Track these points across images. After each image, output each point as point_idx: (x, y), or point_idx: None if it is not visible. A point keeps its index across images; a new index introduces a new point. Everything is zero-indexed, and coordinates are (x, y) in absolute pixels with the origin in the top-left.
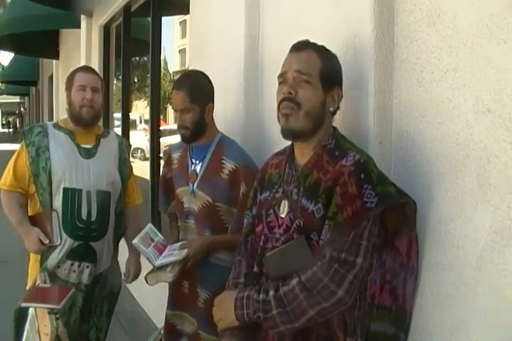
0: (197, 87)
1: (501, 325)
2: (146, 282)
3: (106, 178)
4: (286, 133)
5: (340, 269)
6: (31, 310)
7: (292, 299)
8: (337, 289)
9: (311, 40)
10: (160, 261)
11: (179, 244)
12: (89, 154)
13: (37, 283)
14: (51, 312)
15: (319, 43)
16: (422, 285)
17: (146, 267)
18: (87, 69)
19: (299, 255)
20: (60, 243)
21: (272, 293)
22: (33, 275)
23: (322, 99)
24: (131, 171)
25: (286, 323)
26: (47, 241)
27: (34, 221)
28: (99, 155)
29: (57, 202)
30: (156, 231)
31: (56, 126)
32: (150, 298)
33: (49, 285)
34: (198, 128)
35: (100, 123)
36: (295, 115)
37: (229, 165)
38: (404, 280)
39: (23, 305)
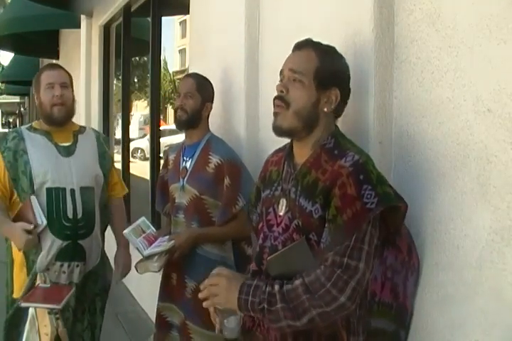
0: (204, 83)
1: (501, 325)
2: (136, 270)
3: (88, 174)
4: (275, 131)
5: (343, 275)
6: (31, 310)
7: (295, 298)
8: (339, 295)
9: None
10: (148, 251)
11: (168, 236)
12: (68, 152)
13: (37, 283)
14: (51, 312)
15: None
16: (422, 286)
17: (136, 257)
18: (53, 66)
19: (301, 257)
20: (43, 224)
21: (277, 287)
22: (21, 282)
23: (315, 99)
24: (112, 163)
25: (288, 319)
26: (31, 227)
27: (17, 218)
28: (79, 151)
29: (42, 203)
30: (149, 224)
31: (31, 128)
32: (150, 297)
33: (49, 285)
34: (194, 117)
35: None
36: (283, 113)
37: (214, 160)
38: (405, 278)
39: (23, 305)
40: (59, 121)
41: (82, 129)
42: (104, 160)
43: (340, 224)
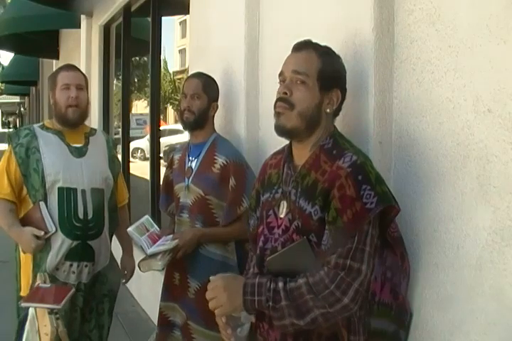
0: (210, 82)
1: (501, 325)
2: (139, 269)
3: (99, 176)
4: (278, 131)
5: (346, 277)
6: (31, 310)
7: (298, 296)
8: (342, 297)
9: (314, 40)
10: (152, 250)
11: (172, 235)
12: (80, 153)
13: (37, 283)
14: (51, 312)
15: (322, 44)
16: (422, 286)
17: (138, 256)
18: (70, 67)
19: (302, 256)
20: (56, 231)
21: (280, 284)
22: (27, 279)
23: (318, 101)
24: (120, 168)
25: (292, 317)
26: (42, 233)
27: (25, 221)
28: (90, 153)
29: (53, 203)
30: (153, 222)
31: (43, 127)
32: (150, 298)
33: (49, 285)
34: (201, 118)
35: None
36: (287, 114)
37: (220, 160)
38: (401, 281)
39: (23, 305)
40: (73, 122)
41: (92, 131)
42: (114, 164)
43: (340, 226)
